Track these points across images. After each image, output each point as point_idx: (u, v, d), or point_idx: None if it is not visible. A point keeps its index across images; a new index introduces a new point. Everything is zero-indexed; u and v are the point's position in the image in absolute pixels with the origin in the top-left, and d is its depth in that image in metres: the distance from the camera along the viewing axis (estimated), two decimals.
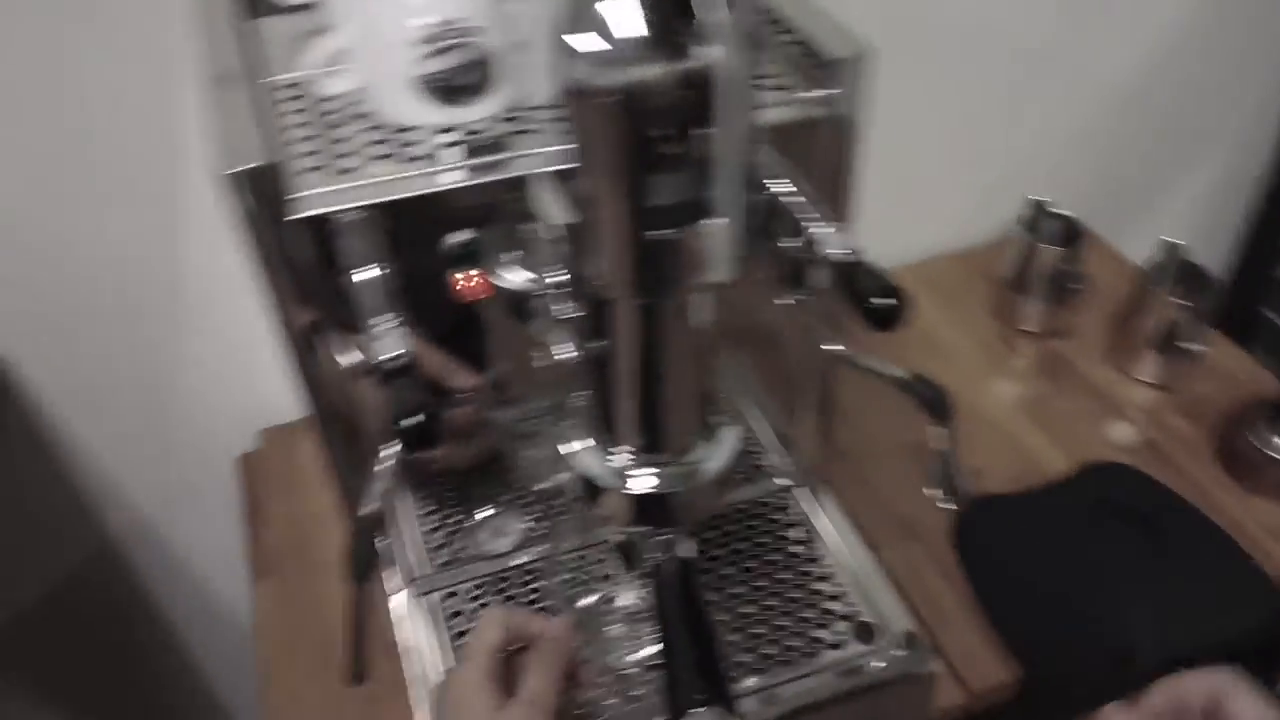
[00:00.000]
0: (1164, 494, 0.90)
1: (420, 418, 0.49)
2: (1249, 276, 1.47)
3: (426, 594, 0.79)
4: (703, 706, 0.52)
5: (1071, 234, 1.05)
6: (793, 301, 0.72)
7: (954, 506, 0.67)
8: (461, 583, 0.80)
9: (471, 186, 0.53)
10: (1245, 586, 0.83)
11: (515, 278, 0.61)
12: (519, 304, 0.62)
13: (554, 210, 0.46)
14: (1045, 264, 1.04)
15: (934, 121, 1.07)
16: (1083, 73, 1.15)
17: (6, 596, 1.03)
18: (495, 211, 0.59)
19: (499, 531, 0.81)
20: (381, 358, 0.50)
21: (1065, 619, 0.81)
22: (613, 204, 0.40)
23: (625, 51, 0.35)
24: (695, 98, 0.37)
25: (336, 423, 0.65)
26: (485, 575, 0.80)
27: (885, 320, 0.51)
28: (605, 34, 0.35)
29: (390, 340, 0.51)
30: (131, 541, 1.09)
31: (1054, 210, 1.06)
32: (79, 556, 1.07)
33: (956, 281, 1.17)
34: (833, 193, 0.63)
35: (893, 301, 0.50)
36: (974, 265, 1.17)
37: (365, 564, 0.56)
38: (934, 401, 0.63)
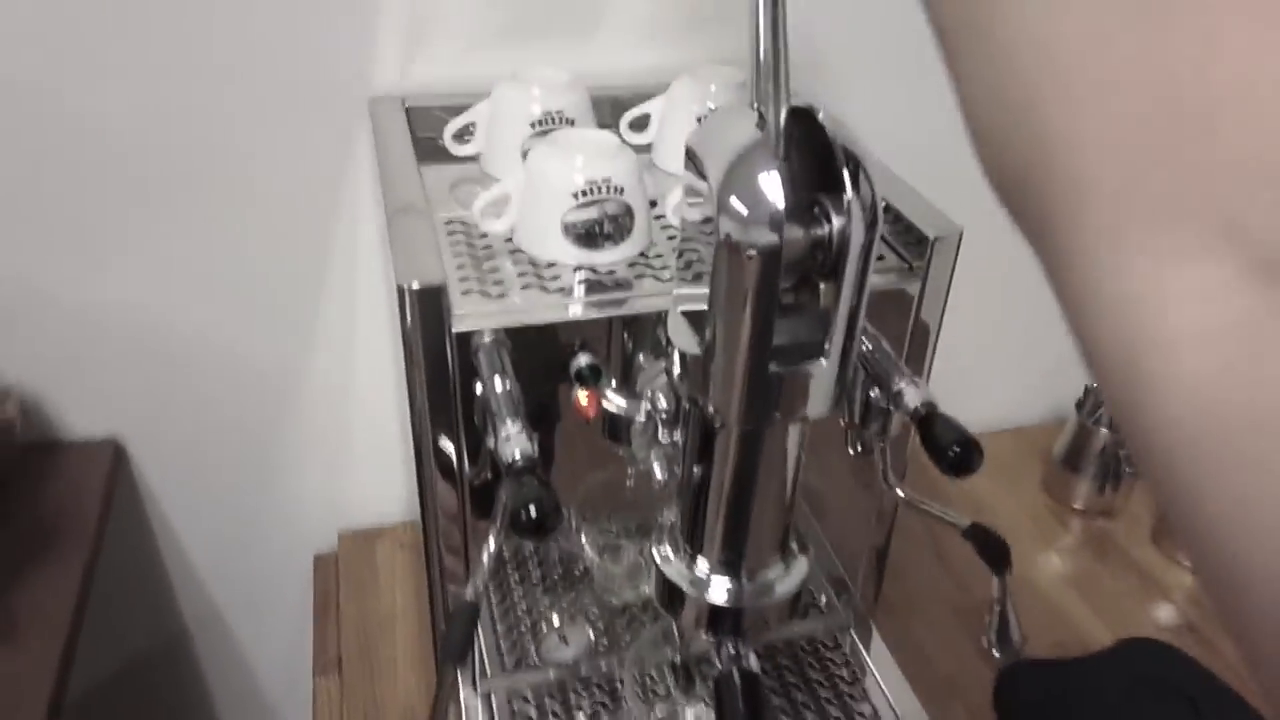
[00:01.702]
0: (1202, 674, 0.92)
1: (536, 507, 0.55)
2: None
3: (489, 693, 0.83)
4: None
5: None
6: (859, 449, 0.79)
7: (1001, 657, 0.70)
8: (525, 688, 0.83)
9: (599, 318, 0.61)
10: None
11: (620, 401, 0.68)
12: (620, 426, 0.69)
13: (678, 342, 0.53)
14: (1098, 446, 1.10)
15: (1004, 306, 1.14)
16: None
17: (85, 670, 1.07)
18: (613, 341, 0.66)
19: (565, 640, 0.85)
20: (510, 459, 0.57)
21: None
22: (741, 340, 0.48)
23: (772, 216, 0.43)
24: (825, 258, 0.45)
25: (443, 522, 0.71)
26: (547, 682, 0.84)
27: (962, 466, 0.58)
28: (758, 200, 0.44)
29: (519, 444, 0.58)
30: (203, 629, 1.14)
31: None
32: (156, 638, 1.12)
33: (1012, 456, 1.23)
34: (913, 355, 0.70)
35: (969, 450, 0.57)
36: (1030, 442, 1.23)
37: (462, 648, 0.60)
38: (993, 551, 0.67)
